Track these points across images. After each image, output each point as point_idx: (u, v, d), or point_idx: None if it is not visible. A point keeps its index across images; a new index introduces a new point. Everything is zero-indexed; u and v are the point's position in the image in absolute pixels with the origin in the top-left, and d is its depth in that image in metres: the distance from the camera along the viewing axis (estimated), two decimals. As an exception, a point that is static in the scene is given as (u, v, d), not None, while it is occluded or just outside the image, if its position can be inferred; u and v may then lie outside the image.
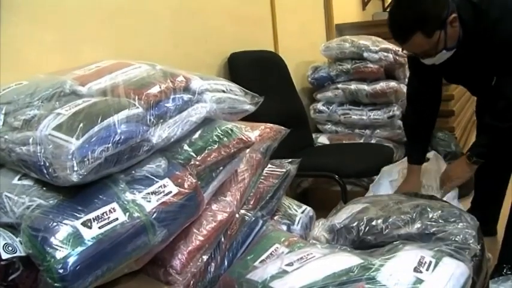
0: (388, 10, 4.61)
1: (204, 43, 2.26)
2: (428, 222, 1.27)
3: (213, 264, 1.24)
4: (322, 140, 3.02)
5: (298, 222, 1.53)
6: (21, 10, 1.45)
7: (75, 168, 0.92)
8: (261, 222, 1.38)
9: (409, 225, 1.27)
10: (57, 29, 1.57)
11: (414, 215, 1.30)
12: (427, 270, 1.07)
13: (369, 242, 1.29)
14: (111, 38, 1.76)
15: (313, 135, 3.00)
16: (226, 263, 1.27)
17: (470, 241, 1.21)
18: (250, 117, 1.48)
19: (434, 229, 1.25)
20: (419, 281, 1.04)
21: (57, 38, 1.56)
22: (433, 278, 1.05)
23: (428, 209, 1.34)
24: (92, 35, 1.69)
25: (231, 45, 2.43)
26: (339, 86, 3.05)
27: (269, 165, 1.54)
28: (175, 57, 2.03)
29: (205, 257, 1.18)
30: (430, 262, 1.10)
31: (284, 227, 1.49)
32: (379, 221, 1.30)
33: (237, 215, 1.31)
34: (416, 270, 1.07)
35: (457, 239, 1.22)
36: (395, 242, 1.23)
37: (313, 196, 2.88)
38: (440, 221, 1.28)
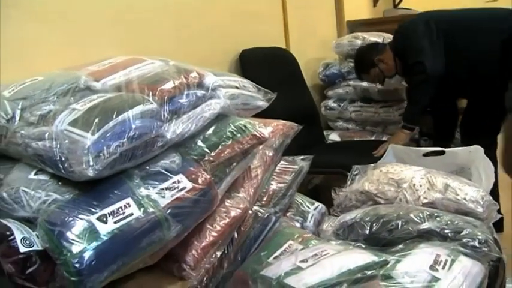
0: (397, 8, 4.65)
1: (216, 40, 2.26)
2: (444, 221, 1.26)
3: (226, 260, 1.24)
4: (333, 137, 3.01)
5: (310, 219, 1.53)
6: (29, 7, 1.46)
7: (91, 163, 0.92)
8: (274, 218, 1.37)
9: (424, 223, 1.25)
10: (66, 26, 1.58)
11: (429, 213, 1.29)
12: (443, 268, 1.06)
13: (383, 239, 1.28)
14: (121, 35, 1.77)
15: (324, 132, 2.99)
16: (239, 259, 1.27)
17: (487, 240, 1.20)
18: (261, 114, 1.48)
19: (450, 228, 1.24)
20: (436, 279, 1.03)
21: (65, 35, 1.57)
22: (450, 276, 1.04)
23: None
24: (101, 32, 1.69)
25: (242, 42, 2.43)
26: (350, 82, 3.05)
27: (282, 162, 1.54)
28: (186, 54, 2.03)
29: (218, 253, 1.18)
30: (446, 260, 1.09)
31: (297, 224, 1.49)
32: (394, 216, 1.29)
33: (250, 211, 1.31)
34: (432, 268, 1.06)
35: (473, 238, 1.20)
36: (410, 240, 1.22)
37: (324, 193, 2.87)
38: (456, 220, 1.27)
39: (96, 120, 0.97)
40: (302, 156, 1.61)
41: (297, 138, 1.59)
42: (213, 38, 2.24)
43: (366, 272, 1.05)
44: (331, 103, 3.11)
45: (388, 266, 1.08)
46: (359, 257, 1.10)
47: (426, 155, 2.09)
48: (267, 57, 2.52)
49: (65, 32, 1.56)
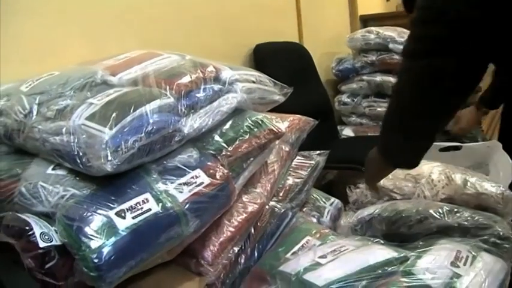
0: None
1: (229, 34, 2.25)
2: (464, 217, 1.24)
3: (243, 255, 1.22)
4: (347, 132, 2.99)
5: (327, 215, 1.52)
6: (39, 1, 1.45)
7: (109, 158, 0.91)
8: (290, 214, 1.36)
9: (443, 219, 1.23)
10: (81, 20, 1.57)
11: (449, 208, 1.27)
12: (464, 264, 1.05)
13: (401, 235, 1.27)
14: (133, 30, 1.77)
15: (338, 128, 2.97)
16: (256, 255, 1.26)
17: (509, 236, 1.18)
18: (275, 109, 1.46)
19: (470, 224, 1.22)
20: (457, 275, 1.02)
21: (80, 29, 1.56)
22: (471, 273, 1.03)
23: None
24: (114, 27, 1.69)
25: (256, 37, 2.42)
26: (364, 77, 3.02)
27: (298, 157, 1.53)
28: (199, 48, 2.02)
29: (236, 249, 1.17)
30: (468, 257, 1.08)
31: (313, 219, 1.48)
32: (412, 212, 1.27)
33: (266, 207, 1.30)
34: (453, 264, 1.04)
35: (494, 234, 1.18)
36: (429, 236, 1.21)
37: (338, 189, 2.85)
38: (476, 215, 1.25)
39: (114, 114, 0.96)
40: (318, 152, 1.60)
41: (311, 133, 1.58)
42: (226, 32, 2.23)
43: (386, 268, 1.03)
44: (344, 98, 3.09)
45: (409, 262, 1.07)
46: (379, 252, 1.08)
47: (443, 150, 2.06)
48: (281, 52, 2.50)
49: (76, 27, 1.55)
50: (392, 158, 1.07)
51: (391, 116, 1.02)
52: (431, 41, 0.83)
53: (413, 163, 1.06)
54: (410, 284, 0.99)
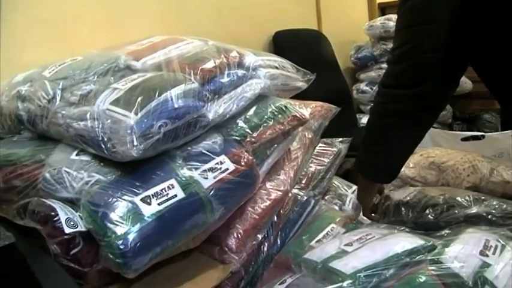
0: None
1: (249, 22, 2.24)
2: (492, 205, 1.21)
3: (266, 243, 1.21)
4: (366, 120, 2.95)
5: (349, 203, 1.50)
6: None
7: (135, 143, 0.90)
8: (313, 201, 1.35)
9: (471, 207, 1.21)
10: (105, 7, 1.57)
11: (476, 197, 1.24)
12: (493, 254, 1.02)
13: (427, 223, 1.24)
14: (154, 18, 1.76)
15: (357, 116, 2.94)
16: (279, 243, 1.25)
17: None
18: (294, 96, 1.44)
19: (497, 212, 1.19)
20: (486, 264, 0.99)
21: (105, 15, 1.56)
22: (501, 262, 1.00)
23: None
24: (137, 14, 1.69)
25: (276, 24, 2.40)
26: (383, 66, 2.97)
27: (320, 144, 1.51)
28: (219, 35, 1.99)
29: (259, 236, 1.16)
30: (496, 246, 1.04)
31: (335, 207, 1.46)
32: (439, 200, 1.25)
33: (289, 194, 1.28)
34: (482, 253, 1.01)
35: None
36: (456, 224, 1.18)
37: (354, 177, 2.83)
38: (504, 204, 1.22)
39: (139, 99, 0.95)
40: (340, 139, 1.58)
41: (330, 121, 1.56)
42: (246, 20, 2.21)
43: (414, 256, 1.01)
44: (363, 86, 3.05)
45: (436, 250, 1.04)
46: (406, 240, 1.06)
47: (465, 139, 2.03)
48: (300, 39, 2.48)
49: (106, 13, 1.55)
50: (364, 172, 1.21)
51: (366, 130, 1.20)
52: (396, 77, 1.03)
53: (383, 179, 1.22)
54: (438, 273, 0.97)
